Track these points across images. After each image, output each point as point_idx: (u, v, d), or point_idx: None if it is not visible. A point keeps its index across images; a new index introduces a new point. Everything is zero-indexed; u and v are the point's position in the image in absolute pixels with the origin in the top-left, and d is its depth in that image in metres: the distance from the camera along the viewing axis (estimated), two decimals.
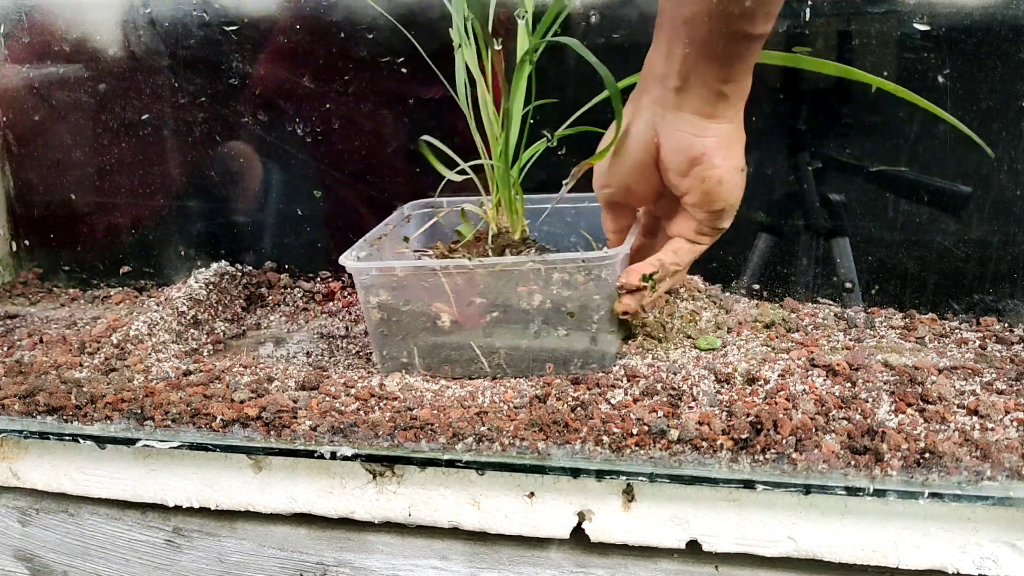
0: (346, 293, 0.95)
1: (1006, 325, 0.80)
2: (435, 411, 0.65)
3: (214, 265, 0.93)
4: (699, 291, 0.82)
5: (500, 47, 0.71)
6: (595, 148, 0.72)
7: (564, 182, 0.73)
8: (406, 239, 0.78)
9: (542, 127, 0.76)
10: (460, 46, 0.75)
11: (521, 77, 0.74)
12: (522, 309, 0.68)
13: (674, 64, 0.62)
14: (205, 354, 0.82)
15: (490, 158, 0.76)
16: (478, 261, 0.68)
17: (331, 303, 0.94)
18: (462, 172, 0.79)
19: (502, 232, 0.77)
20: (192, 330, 0.84)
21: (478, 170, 0.79)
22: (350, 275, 0.72)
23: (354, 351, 0.80)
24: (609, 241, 0.76)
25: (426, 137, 0.81)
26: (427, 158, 0.81)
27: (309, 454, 0.65)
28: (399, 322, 0.71)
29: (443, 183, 0.81)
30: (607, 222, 0.75)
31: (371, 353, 0.77)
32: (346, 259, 0.72)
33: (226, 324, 0.88)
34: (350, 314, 0.91)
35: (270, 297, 0.95)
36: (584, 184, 0.74)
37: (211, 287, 0.89)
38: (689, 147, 0.64)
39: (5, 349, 0.83)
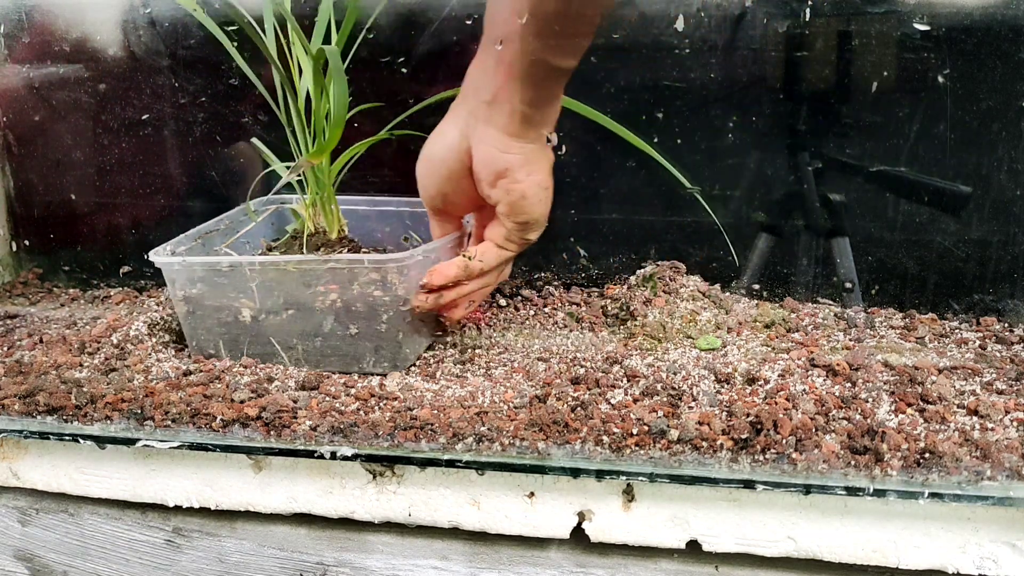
0: None
1: (1006, 325, 0.80)
2: (435, 411, 0.65)
3: None
4: (699, 291, 0.82)
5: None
6: None
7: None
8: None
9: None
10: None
11: (331, 79, 0.75)
12: (315, 307, 0.71)
13: (488, 79, 0.65)
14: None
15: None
16: (263, 259, 0.72)
17: None
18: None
19: (319, 232, 0.79)
20: None
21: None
22: None
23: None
24: None
25: (254, 139, 0.86)
26: (263, 156, 0.85)
27: (309, 454, 0.65)
28: (204, 315, 0.74)
29: (255, 182, 0.87)
30: (434, 228, 0.77)
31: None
32: (155, 254, 0.75)
33: None
34: None
35: None
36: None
37: None
38: (495, 161, 0.67)
39: (5, 349, 0.83)
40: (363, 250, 0.79)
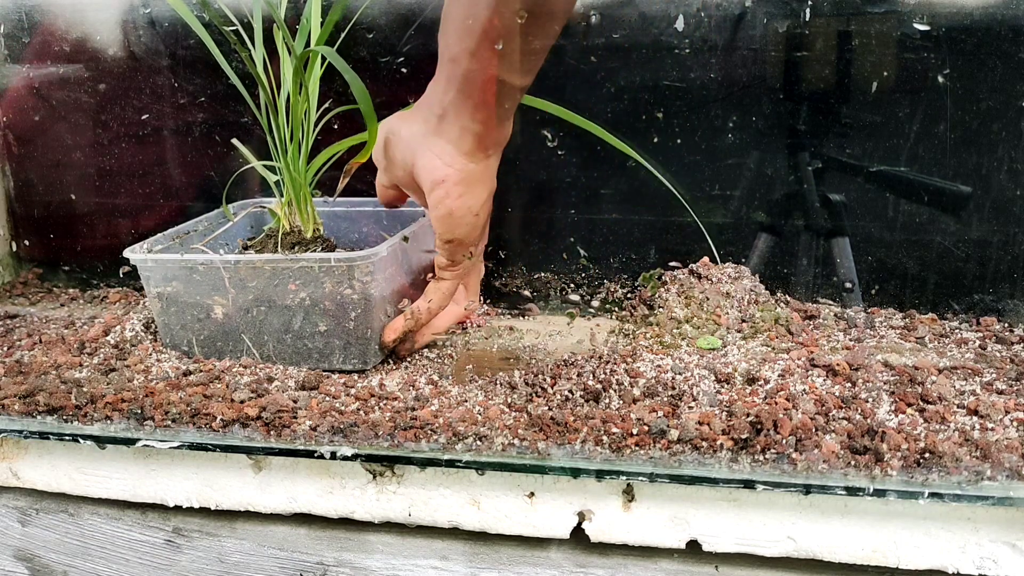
0: None
1: (1006, 325, 0.80)
2: (435, 411, 0.65)
3: None
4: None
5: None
6: None
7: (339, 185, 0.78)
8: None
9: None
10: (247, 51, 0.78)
11: (309, 80, 0.77)
12: (285, 304, 0.73)
13: (440, 93, 0.66)
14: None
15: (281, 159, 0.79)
16: (234, 257, 0.73)
17: None
18: (270, 170, 0.84)
19: (293, 231, 0.80)
20: None
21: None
22: None
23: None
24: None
25: (235, 140, 0.88)
26: (243, 155, 0.86)
27: (309, 454, 0.65)
28: (178, 311, 0.76)
29: (227, 184, 0.89)
30: (378, 179, 0.78)
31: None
32: (131, 251, 0.77)
33: None
34: None
35: None
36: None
37: None
38: (434, 169, 0.68)
39: (5, 349, 0.83)
40: (336, 249, 0.80)
